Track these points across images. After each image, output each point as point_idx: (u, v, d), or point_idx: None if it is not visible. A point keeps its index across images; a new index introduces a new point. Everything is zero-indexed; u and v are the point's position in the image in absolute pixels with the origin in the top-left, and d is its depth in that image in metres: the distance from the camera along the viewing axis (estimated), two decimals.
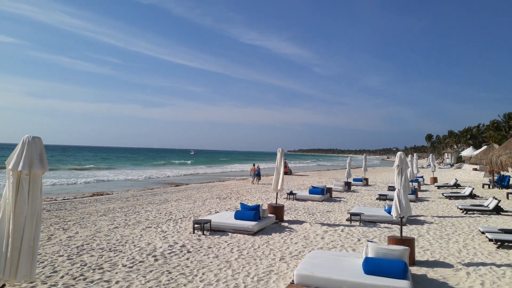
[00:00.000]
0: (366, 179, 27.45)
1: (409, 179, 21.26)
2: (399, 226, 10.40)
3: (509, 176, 24.06)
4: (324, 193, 17.63)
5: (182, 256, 7.88)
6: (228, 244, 8.89)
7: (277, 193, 13.18)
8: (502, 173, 25.86)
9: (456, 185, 24.14)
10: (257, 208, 10.86)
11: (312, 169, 60.91)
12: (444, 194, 19.32)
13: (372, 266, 5.66)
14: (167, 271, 6.87)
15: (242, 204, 11.43)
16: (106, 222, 11.57)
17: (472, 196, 18.59)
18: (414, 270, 7.06)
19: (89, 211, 13.67)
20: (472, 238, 9.84)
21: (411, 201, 16.92)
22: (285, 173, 34.95)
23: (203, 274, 6.73)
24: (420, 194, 20.58)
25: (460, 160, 62.45)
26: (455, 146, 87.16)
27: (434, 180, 28.92)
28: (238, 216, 10.60)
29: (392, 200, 16.91)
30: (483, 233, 9.82)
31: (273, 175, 12.58)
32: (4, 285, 4.09)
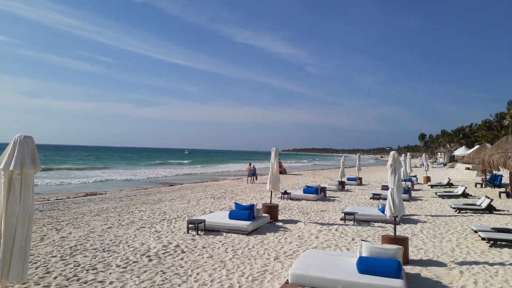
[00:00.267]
0: (360, 179, 27.56)
1: (402, 179, 21.45)
2: (392, 225, 10.45)
3: (501, 175, 24.30)
4: (318, 193, 17.67)
5: (176, 256, 7.85)
6: (222, 244, 8.88)
7: (271, 192, 13.20)
8: (494, 172, 26.10)
9: (449, 184, 24.33)
10: (251, 207, 10.85)
11: (306, 169, 61.03)
12: (437, 193, 19.45)
13: (366, 265, 5.68)
14: (161, 271, 6.83)
15: (236, 204, 11.42)
16: (99, 222, 11.49)
17: (465, 195, 18.74)
18: (408, 269, 7.10)
19: (82, 211, 13.57)
20: (465, 237, 9.92)
21: (404, 200, 17.01)
22: (280, 172, 34.95)
23: (197, 274, 6.71)
24: (413, 193, 20.71)
25: (453, 159, 62.93)
26: (448, 146, 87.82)
27: (427, 179, 29.12)
28: (232, 215, 10.58)
29: (385, 199, 17.00)
30: (476, 232, 9.90)
31: (268, 175, 12.57)
32: None
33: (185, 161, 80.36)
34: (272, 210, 12.06)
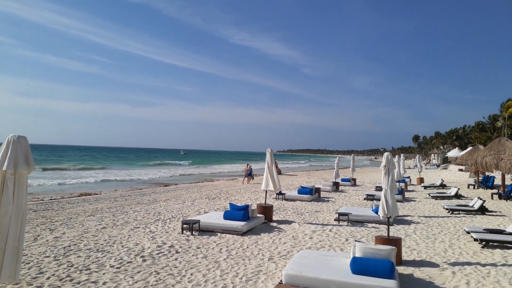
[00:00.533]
0: (354, 179, 27.69)
1: (396, 180, 21.56)
2: (386, 226, 10.52)
3: (494, 177, 24.53)
4: (312, 193, 17.73)
5: (171, 256, 7.84)
6: (217, 244, 8.88)
7: (266, 193, 13.23)
8: (486, 173, 26.36)
9: (442, 186, 24.50)
10: (246, 208, 10.86)
11: (301, 169, 61.15)
12: (431, 194, 19.59)
13: (360, 266, 5.71)
14: (155, 271, 6.83)
15: (231, 204, 11.43)
16: (93, 222, 11.44)
17: (457, 196, 18.89)
18: (401, 269, 7.15)
19: (76, 211, 13.50)
20: (458, 238, 10.01)
21: (398, 201, 17.12)
22: None
23: (191, 274, 6.71)
24: (407, 194, 20.83)
25: (446, 160, 63.43)
26: (442, 147, 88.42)
27: (421, 180, 29.31)
28: (227, 216, 10.59)
29: (379, 200, 17.07)
30: (468, 233, 9.99)
31: (263, 175, 12.60)
32: None
33: (183, 162, 79.80)
34: (266, 210, 12.08)
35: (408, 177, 29.68)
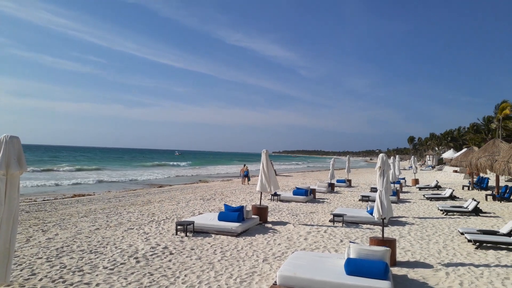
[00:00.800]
0: (349, 181, 27.74)
1: (391, 181, 21.63)
2: (381, 227, 10.54)
3: (488, 178, 24.71)
4: (307, 194, 17.74)
5: (164, 258, 7.80)
6: (211, 246, 8.85)
7: (261, 194, 13.22)
8: (481, 175, 26.52)
9: (437, 187, 24.63)
10: (241, 209, 10.84)
11: (296, 170, 61.20)
12: (425, 196, 19.68)
13: (354, 267, 5.72)
14: (148, 273, 6.79)
15: (226, 205, 11.40)
16: (87, 223, 11.37)
17: (452, 197, 18.99)
18: (395, 270, 7.16)
19: (69, 212, 13.41)
20: (452, 239, 10.05)
21: (393, 202, 17.17)
22: None
23: (185, 276, 6.68)
24: (401, 196, 20.91)
25: (441, 162, 63.79)
26: (437, 149, 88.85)
27: (416, 181, 29.43)
28: (221, 217, 10.56)
29: (374, 201, 17.12)
30: (462, 234, 10.03)
31: (258, 176, 12.58)
32: None
33: (179, 163, 79.36)
34: (261, 211, 12.07)
35: (403, 178, 29.78)
